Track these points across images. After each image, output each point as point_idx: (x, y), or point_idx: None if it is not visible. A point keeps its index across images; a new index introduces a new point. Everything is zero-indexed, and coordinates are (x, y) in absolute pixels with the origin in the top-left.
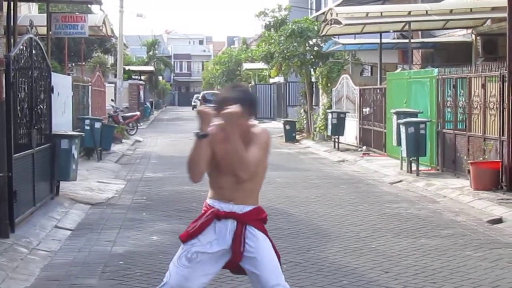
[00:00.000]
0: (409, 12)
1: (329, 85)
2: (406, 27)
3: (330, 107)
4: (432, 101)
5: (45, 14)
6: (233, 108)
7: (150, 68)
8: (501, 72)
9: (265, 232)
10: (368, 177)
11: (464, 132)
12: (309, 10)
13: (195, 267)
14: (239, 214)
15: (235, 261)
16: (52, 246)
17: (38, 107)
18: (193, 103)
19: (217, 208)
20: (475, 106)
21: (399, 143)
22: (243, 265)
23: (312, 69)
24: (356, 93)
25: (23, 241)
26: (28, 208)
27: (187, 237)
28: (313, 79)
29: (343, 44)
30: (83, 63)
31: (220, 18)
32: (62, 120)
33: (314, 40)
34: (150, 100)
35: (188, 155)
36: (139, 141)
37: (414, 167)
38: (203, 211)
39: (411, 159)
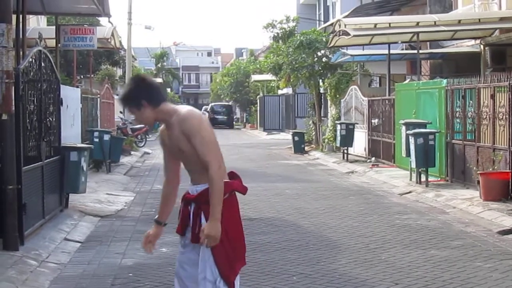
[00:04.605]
0: (418, 23)
1: (337, 96)
2: (415, 38)
3: (338, 118)
4: (441, 111)
5: (54, 27)
6: (210, 237)
7: (158, 80)
8: (510, 82)
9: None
10: (377, 188)
11: (473, 143)
12: (317, 22)
13: (189, 251)
14: (193, 196)
15: (193, 242)
16: (62, 258)
17: (47, 119)
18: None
19: (186, 192)
20: (484, 117)
21: (408, 154)
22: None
23: (320, 80)
24: (364, 104)
25: (33, 254)
26: (37, 221)
27: (181, 229)
28: (321, 90)
29: (351, 55)
30: (92, 76)
31: (228, 30)
32: (71, 132)
33: (322, 51)
34: None
35: None
36: (148, 153)
37: (423, 178)
38: None
39: (420, 170)
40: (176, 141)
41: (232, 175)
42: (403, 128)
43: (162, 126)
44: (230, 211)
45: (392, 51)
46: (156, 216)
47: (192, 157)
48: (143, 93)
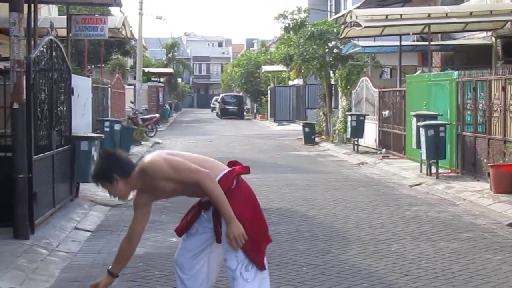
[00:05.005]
0: (429, 15)
1: (348, 87)
2: (426, 30)
3: (349, 109)
4: (452, 103)
5: (65, 16)
6: (236, 236)
7: (169, 70)
8: None
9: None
10: (387, 179)
11: (484, 135)
12: (329, 13)
13: (190, 240)
14: (207, 200)
15: (218, 242)
16: (72, 247)
17: (58, 108)
18: (212, 105)
19: (199, 200)
20: (495, 109)
21: (418, 146)
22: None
23: (331, 72)
24: (375, 96)
25: (43, 242)
26: (48, 210)
27: (181, 231)
28: (332, 82)
29: (362, 46)
30: (103, 65)
31: (239, 21)
32: (81, 122)
33: (333, 43)
34: (169, 102)
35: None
36: (158, 143)
37: (433, 170)
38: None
39: (430, 161)
40: (165, 188)
41: (233, 163)
42: (414, 119)
43: (136, 195)
44: (239, 199)
45: (403, 43)
46: (110, 267)
47: (185, 185)
48: (113, 167)
